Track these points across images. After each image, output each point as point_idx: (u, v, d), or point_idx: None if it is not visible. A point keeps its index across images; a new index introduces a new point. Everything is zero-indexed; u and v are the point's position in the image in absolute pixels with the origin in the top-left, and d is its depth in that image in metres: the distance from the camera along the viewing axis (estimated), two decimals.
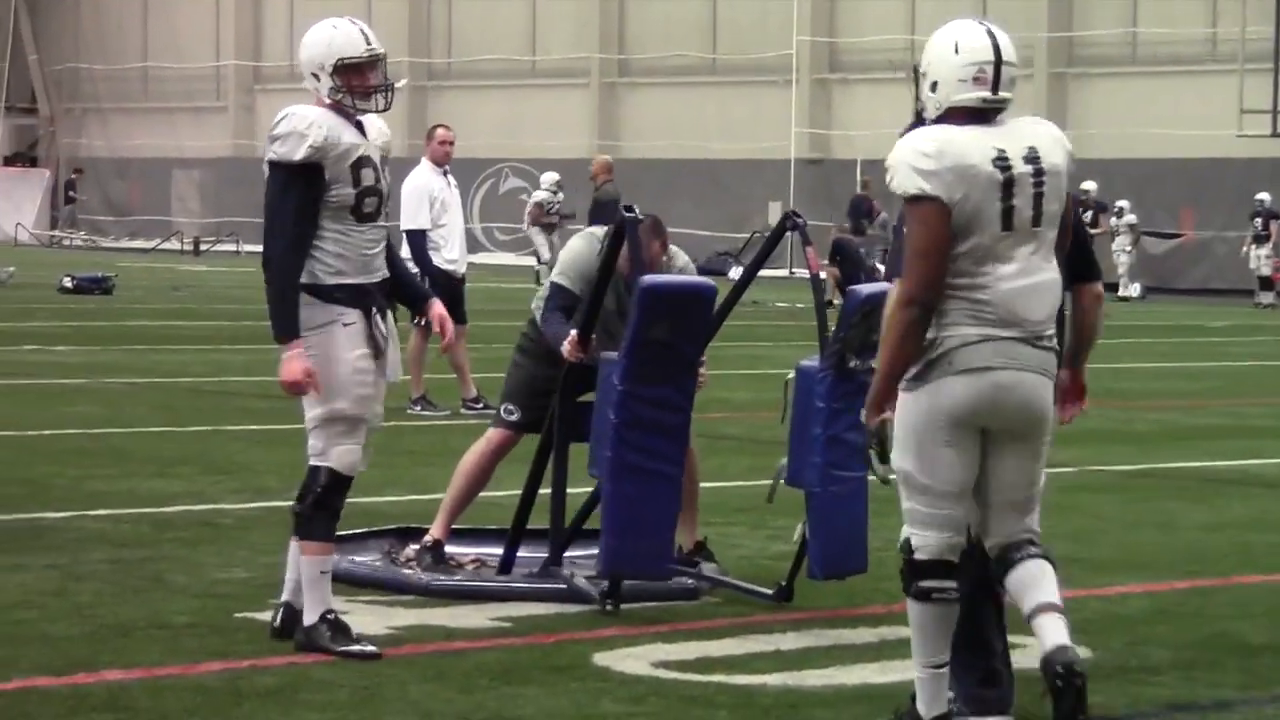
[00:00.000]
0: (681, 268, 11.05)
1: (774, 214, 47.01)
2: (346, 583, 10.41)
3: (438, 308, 9.48)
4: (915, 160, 7.54)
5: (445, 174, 19.47)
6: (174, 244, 65.60)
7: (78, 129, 75.62)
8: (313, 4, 66.17)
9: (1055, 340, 7.76)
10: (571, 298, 10.74)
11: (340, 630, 8.98)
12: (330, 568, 9.20)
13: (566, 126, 61.36)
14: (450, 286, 18.44)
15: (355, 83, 9.08)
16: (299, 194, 8.98)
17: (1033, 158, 7.59)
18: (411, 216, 19.03)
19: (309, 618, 9.02)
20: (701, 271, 11.57)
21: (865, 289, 10.00)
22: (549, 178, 44.50)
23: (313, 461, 9.11)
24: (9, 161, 75.06)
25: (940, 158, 7.52)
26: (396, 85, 9.30)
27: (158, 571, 11.00)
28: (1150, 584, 9.79)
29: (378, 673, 8.69)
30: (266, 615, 9.71)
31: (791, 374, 10.10)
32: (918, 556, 7.65)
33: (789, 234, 10.94)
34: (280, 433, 17.03)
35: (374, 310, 9.11)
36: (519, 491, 10.97)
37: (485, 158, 57.98)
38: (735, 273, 13.47)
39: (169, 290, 41.84)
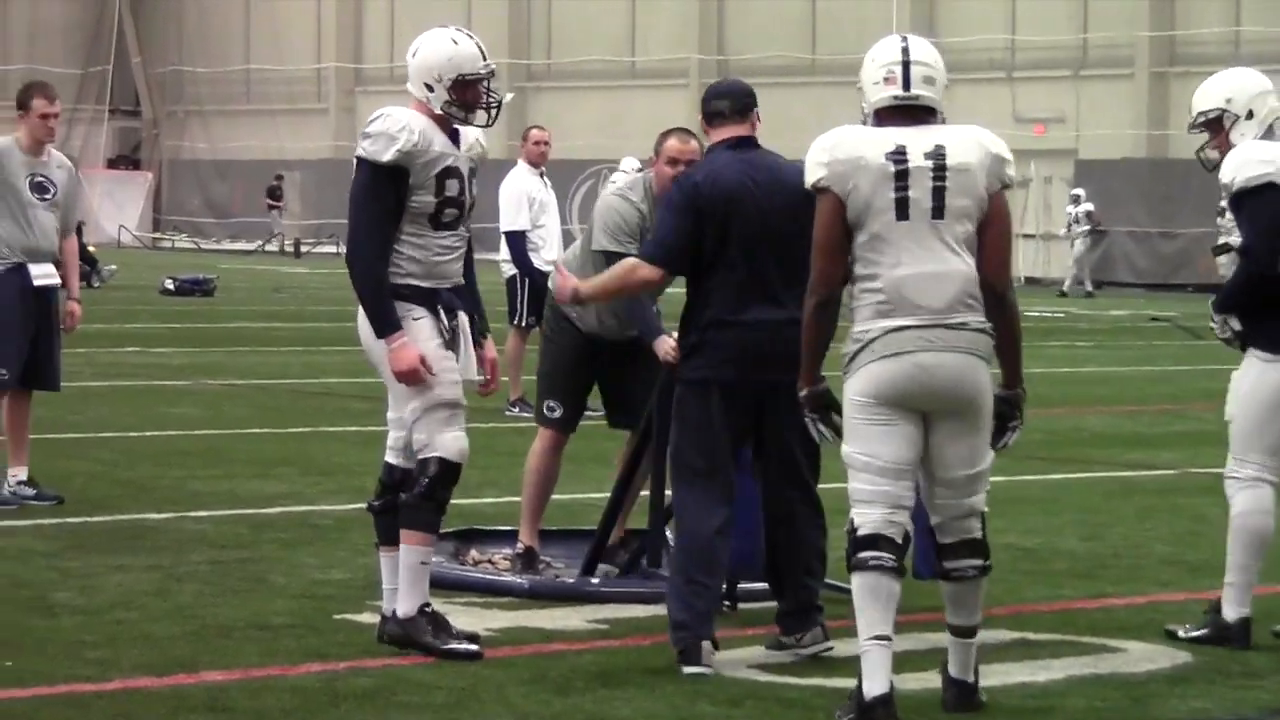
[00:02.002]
0: None
1: None
2: (445, 586, 10.43)
3: (491, 352, 9.49)
4: (816, 154, 8.19)
5: (541, 175, 19.46)
6: (274, 246, 65.89)
7: (180, 131, 76.07)
8: (413, 7, 66.54)
9: (982, 324, 8.14)
10: None
11: (440, 626, 9.00)
12: (431, 560, 9.18)
13: (666, 127, 61.24)
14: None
15: (469, 97, 9.08)
16: (383, 195, 9.02)
17: (936, 154, 8.08)
18: (510, 218, 19.04)
19: (405, 609, 9.02)
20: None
21: None
22: (630, 163, 44.41)
23: (421, 455, 9.05)
24: (112, 164, 75.55)
25: (834, 150, 8.14)
26: (504, 99, 9.28)
27: (257, 572, 11.05)
28: (1258, 587, 9.70)
29: (475, 674, 8.70)
30: (365, 617, 9.75)
31: None
32: (859, 533, 8.10)
33: None
34: (379, 434, 16.96)
35: (440, 308, 9.12)
36: (574, 494, 10.98)
37: (585, 159, 57.94)
38: None
39: (270, 292, 42.04)
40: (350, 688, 8.45)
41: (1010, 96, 55.43)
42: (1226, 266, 9.78)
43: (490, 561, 11.17)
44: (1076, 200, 49.69)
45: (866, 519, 8.11)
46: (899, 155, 8.08)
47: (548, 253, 19.05)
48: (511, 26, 66.68)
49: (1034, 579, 11.30)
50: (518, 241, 18.91)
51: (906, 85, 8.23)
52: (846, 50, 59.19)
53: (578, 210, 58.93)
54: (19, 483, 13.39)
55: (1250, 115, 9.83)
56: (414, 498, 9.03)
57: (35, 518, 12.82)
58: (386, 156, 8.94)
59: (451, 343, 9.13)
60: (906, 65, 8.25)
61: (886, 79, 8.26)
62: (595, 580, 10.82)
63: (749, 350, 9.05)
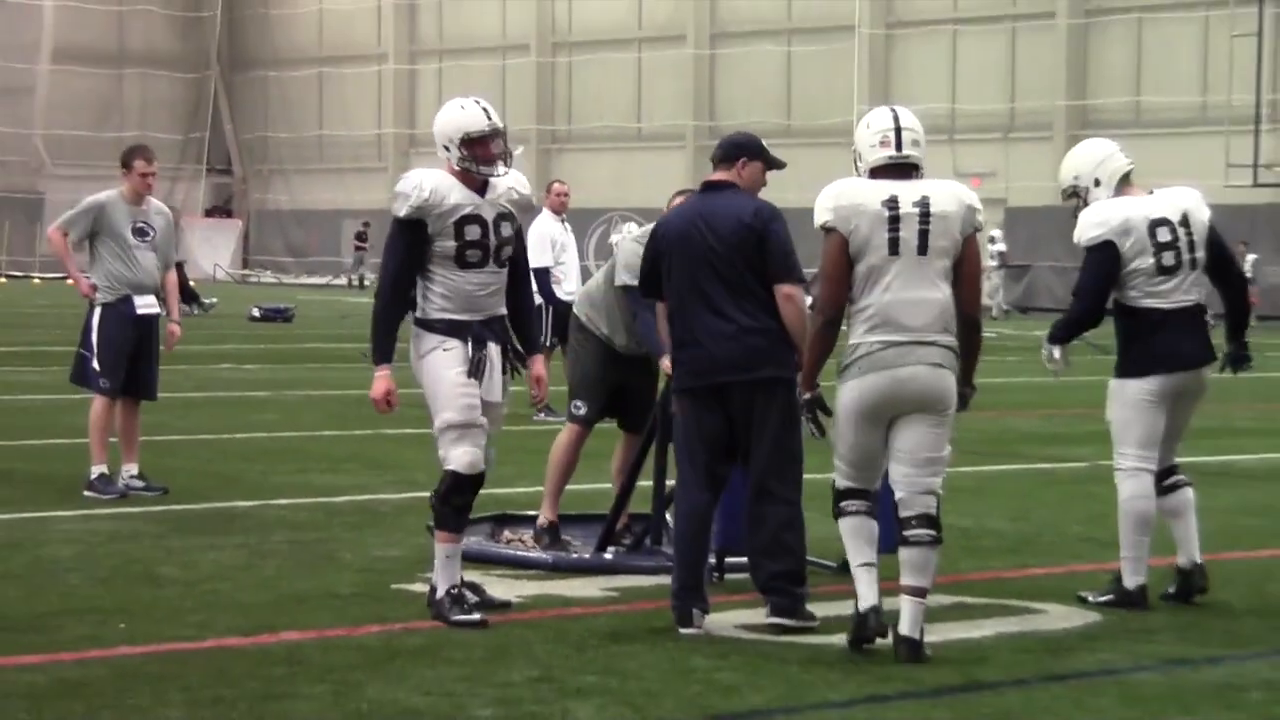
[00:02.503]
0: None
1: None
2: (483, 561, 10.43)
3: (537, 368, 9.38)
4: (824, 200, 8.55)
5: (563, 220, 19.46)
6: (342, 280, 65.90)
7: (265, 186, 76.10)
8: (457, 82, 66.58)
9: (949, 341, 8.51)
10: None
11: (456, 601, 8.94)
12: (456, 555, 9.05)
13: (667, 181, 60.96)
14: (569, 314, 18.42)
15: (479, 152, 9.01)
16: (404, 244, 8.96)
17: (922, 203, 8.44)
18: (536, 257, 19.00)
19: (440, 589, 9.01)
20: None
21: None
22: (630, 229, 44.43)
23: (443, 466, 9.06)
24: (209, 214, 75.56)
25: (839, 198, 8.53)
26: (515, 152, 9.21)
27: (328, 550, 11.04)
28: (1151, 559, 9.70)
29: (508, 634, 8.69)
30: (417, 587, 9.75)
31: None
32: (838, 486, 8.64)
33: None
34: (429, 435, 17.02)
35: (470, 339, 8.98)
36: (591, 485, 10.97)
37: (598, 207, 57.87)
38: (808, 301, 13.66)
39: (338, 318, 42.01)
40: (405, 645, 8.45)
41: (951, 154, 55.39)
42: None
43: (520, 540, 11.17)
44: (992, 240, 49.60)
45: (842, 479, 8.66)
46: (892, 203, 8.44)
47: (568, 285, 19.12)
48: (539, 98, 66.64)
49: (969, 553, 11.29)
50: (543, 276, 18.89)
51: (899, 147, 8.60)
52: (817, 117, 59.33)
53: (593, 250, 58.79)
54: (131, 476, 13.42)
55: (1098, 183, 9.90)
56: (437, 503, 9.05)
57: (144, 505, 12.83)
58: (402, 211, 8.93)
59: (477, 371, 8.99)
60: (898, 131, 8.62)
61: (882, 142, 8.62)
62: (608, 555, 10.82)
63: (703, 361, 9.05)
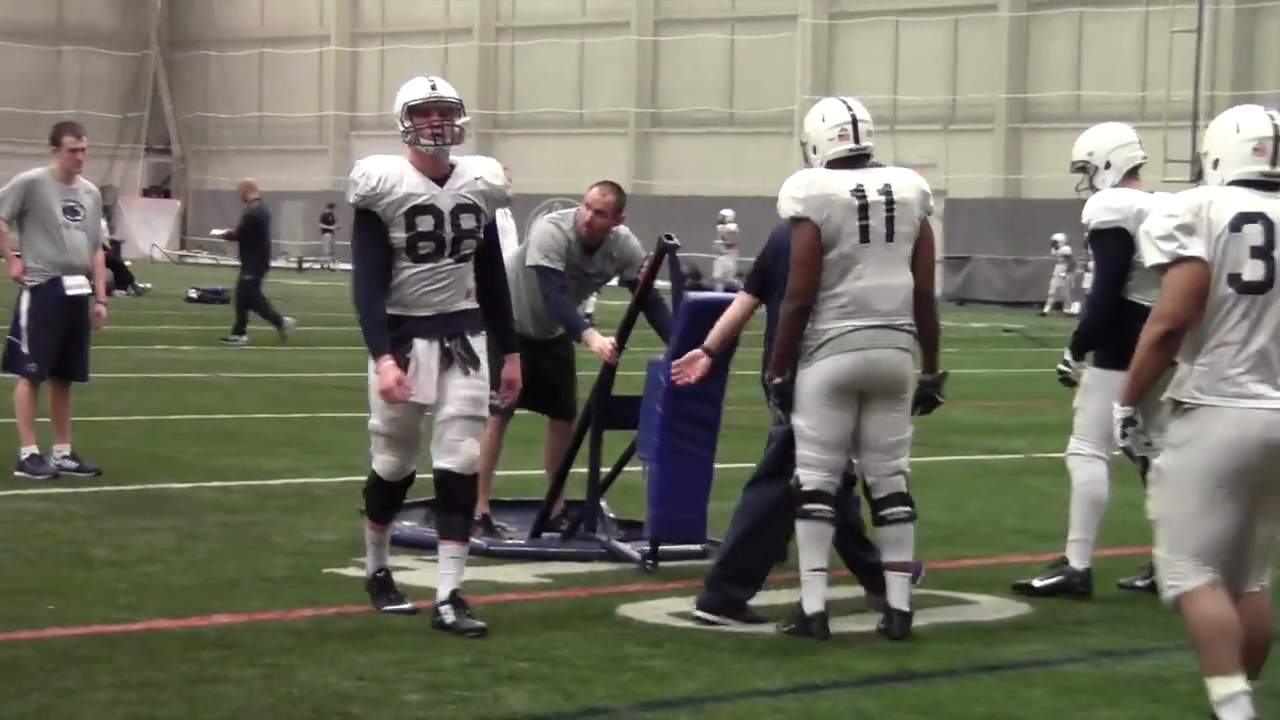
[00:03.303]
0: (633, 249, 11.11)
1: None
2: (416, 546, 10.41)
3: (507, 371, 8.98)
4: (792, 192, 8.64)
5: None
6: (281, 262, 65.66)
7: (204, 167, 75.75)
8: (400, 65, 66.42)
9: (911, 325, 8.73)
10: (564, 276, 10.83)
11: (381, 589, 8.88)
12: (380, 542, 8.91)
13: (609, 168, 60.99)
14: None
15: (419, 123, 8.51)
16: (363, 232, 8.54)
17: (886, 191, 8.63)
18: None
19: (367, 573, 8.98)
20: (726, 290, 11.66)
21: (692, 296, 10.34)
22: (729, 213, 44.99)
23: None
24: (147, 193, 75.17)
25: (809, 189, 8.62)
26: (458, 122, 8.59)
27: (262, 533, 11.01)
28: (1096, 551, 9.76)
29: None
30: (350, 571, 9.74)
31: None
32: (804, 489, 8.65)
33: None
34: (366, 419, 16.99)
35: (406, 338, 8.50)
36: (525, 471, 10.97)
37: (541, 193, 57.74)
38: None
39: (276, 300, 41.81)
40: (337, 629, 8.44)
41: (892, 145, 55.41)
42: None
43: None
44: (1056, 245, 49.17)
45: (811, 478, 8.66)
46: (860, 192, 8.62)
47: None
48: (482, 82, 66.51)
49: None
50: None
51: (857, 139, 8.76)
52: (759, 106, 59.40)
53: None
54: (63, 457, 13.34)
55: (1108, 165, 9.94)
56: (364, 491, 8.90)
57: (77, 486, 12.76)
58: (351, 199, 8.54)
59: (403, 369, 8.48)
60: (855, 123, 8.78)
61: (841, 135, 8.74)
62: (541, 541, 10.82)
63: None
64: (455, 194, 8.58)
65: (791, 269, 8.65)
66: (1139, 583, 9.93)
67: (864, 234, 8.63)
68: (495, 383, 11.19)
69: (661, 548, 10.27)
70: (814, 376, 8.67)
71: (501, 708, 7.14)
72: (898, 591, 8.69)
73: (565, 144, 63.97)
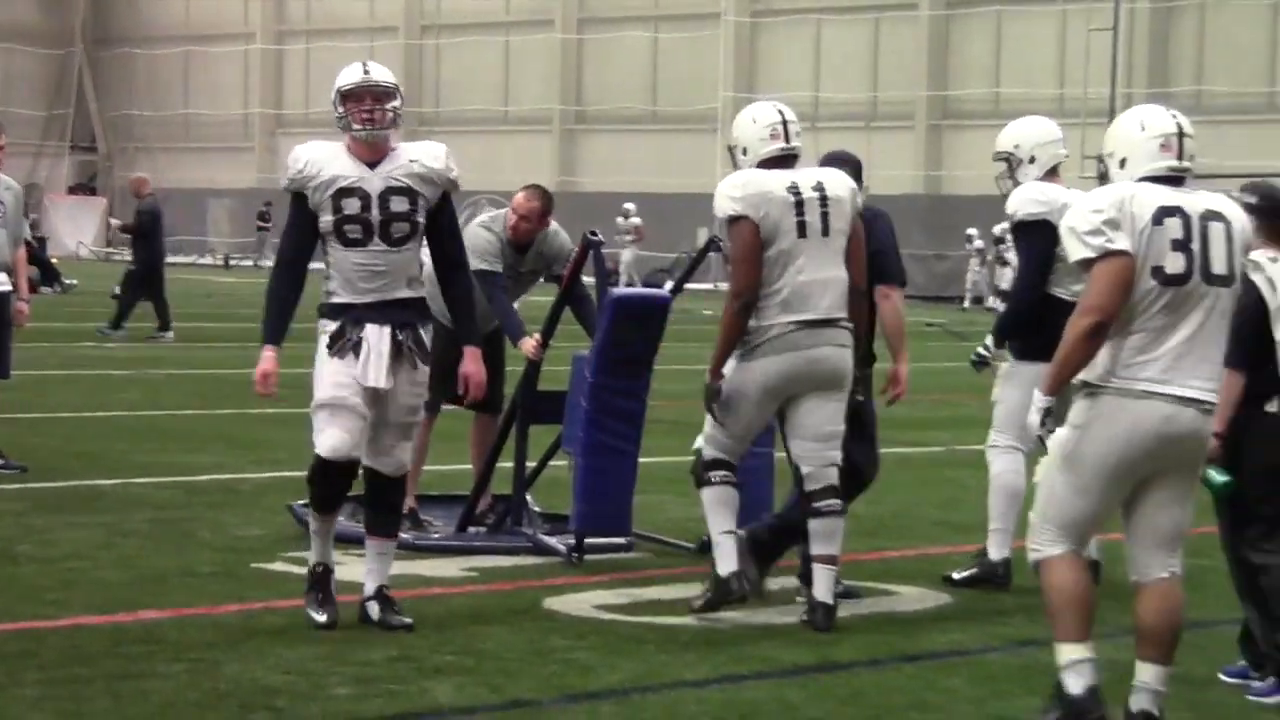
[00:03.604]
0: (561, 244, 11.12)
1: (700, 238, 47.01)
2: (343, 540, 10.37)
3: (465, 364, 8.61)
4: (729, 192, 8.73)
5: None
6: (208, 259, 65.41)
7: (130, 164, 75.07)
8: (325, 63, 66.23)
9: (848, 321, 8.84)
10: (503, 277, 10.85)
11: (314, 585, 8.45)
12: (322, 533, 8.47)
13: (533, 165, 61.19)
14: None
15: (353, 108, 8.31)
16: (292, 220, 8.39)
17: (819, 188, 8.77)
18: None
19: (309, 562, 8.57)
20: (644, 285, 11.70)
21: (617, 292, 10.37)
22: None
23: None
24: (73, 190, 74.68)
25: (745, 188, 8.72)
26: (389, 106, 8.35)
27: (189, 529, 10.96)
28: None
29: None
30: (277, 566, 9.72)
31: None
32: (707, 458, 8.86)
33: (711, 254, 11.10)
34: (292, 415, 16.90)
35: (345, 320, 8.26)
36: (453, 466, 10.97)
37: (466, 190, 57.63)
38: (668, 286, 13.45)
39: (204, 297, 41.67)
40: (263, 624, 8.40)
41: (814, 142, 55.57)
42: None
43: None
44: (969, 239, 49.16)
45: (712, 451, 8.88)
46: (795, 189, 8.74)
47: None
48: (406, 80, 66.27)
49: None
50: None
51: (788, 139, 8.89)
52: (683, 103, 59.45)
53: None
54: None
55: (1033, 160, 9.98)
56: (307, 480, 8.46)
57: (3, 484, 12.64)
58: (283, 184, 8.39)
59: (340, 350, 8.24)
60: (786, 124, 8.90)
61: (773, 135, 8.88)
62: (467, 535, 10.82)
63: None
64: (386, 176, 8.33)
65: (733, 268, 8.77)
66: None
67: (801, 229, 8.72)
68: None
69: (587, 541, 10.28)
70: (751, 374, 8.76)
71: (428, 701, 7.13)
72: (824, 584, 8.72)
73: (490, 141, 63.89)
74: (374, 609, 8.38)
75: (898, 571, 10.24)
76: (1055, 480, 6.82)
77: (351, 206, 8.28)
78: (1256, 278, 7.50)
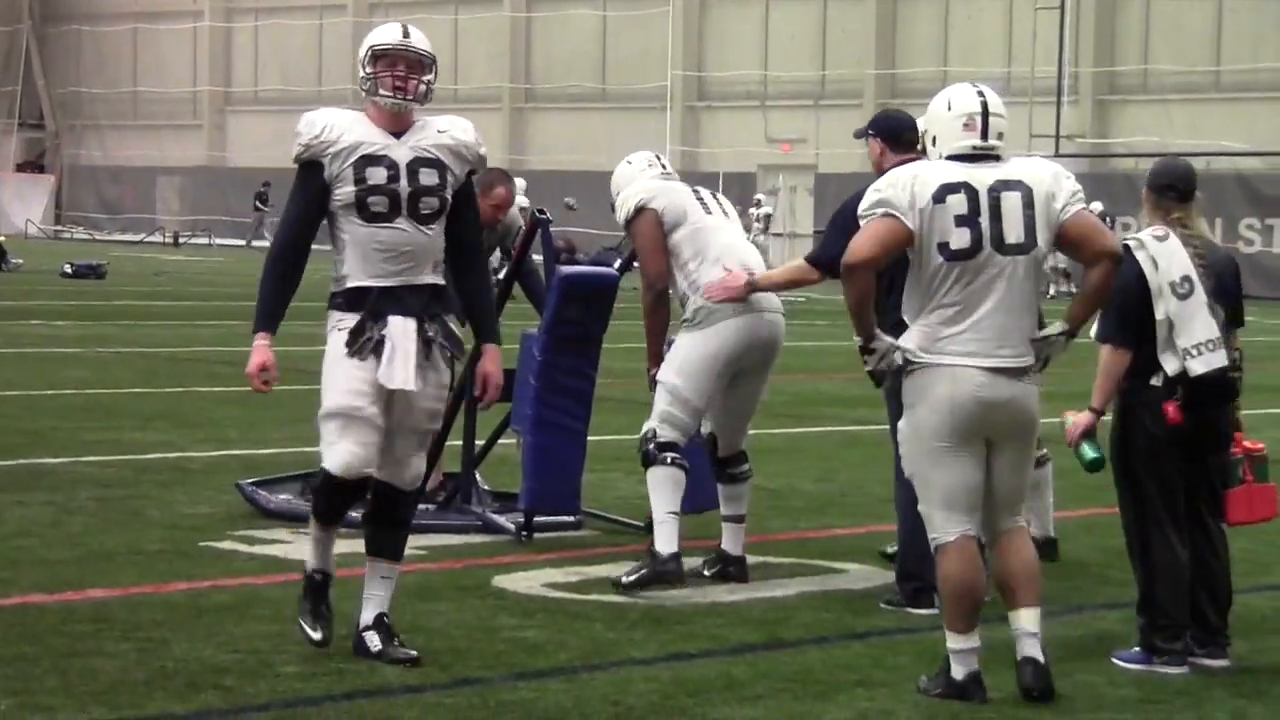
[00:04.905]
0: (513, 219, 11.17)
1: None
2: (292, 519, 10.35)
3: (484, 363, 7.56)
4: (635, 190, 9.32)
5: None
6: (157, 237, 65.14)
7: (79, 141, 74.83)
8: (274, 40, 65.93)
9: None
10: None
11: (313, 593, 7.52)
12: (322, 540, 7.52)
13: (482, 143, 61.05)
14: None
15: (383, 72, 7.38)
16: (300, 193, 7.35)
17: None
18: None
19: (306, 568, 7.63)
20: (592, 264, 11.69)
21: (565, 270, 10.45)
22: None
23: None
24: (20, 168, 74.23)
25: (649, 182, 9.40)
26: (425, 79, 7.46)
27: (136, 507, 10.92)
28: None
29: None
30: (225, 544, 9.69)
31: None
32: (661, 439, 8.99)
33: None
34: (242, 394, 16.89)
35: (366, 311, 7.27)
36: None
37: None
38: (617, 264, 13.37)
39: (152, 275, 41.49)
40: (212, 603, 8.38)
41: (763, 120, 55.72)
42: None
43: None
44: (758, 204, 49.03)
45: (666, 435, 9.03)
46: (666, 172, 9.47)
47: None
48: (355, 57, 65.87)
49: (776, 513, 11.38)
50: None
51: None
52: (632, 81, 59.35)
53: None
54: None
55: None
56: (312, 490, 7.62)
57: None
58: (294, 153, 7.34)
59: (360, 349, 7.24)
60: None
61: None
62: (417, 514, 10.78)
63: None
64: (414, 146, 7.40)
65: (644, 257, 9.21)
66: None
67: (705, 208, 9.36)
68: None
69: (536, 519, 10.27)
70: (711, 341, 9.03)
71: (377, 679, 7.11)
72: (734, 539, 9.30)
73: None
74: (373, 640, 7.41)
75: (845, 549, 10.26)
76: (914, 467, 7.05)
77: (377, 176, 7.30)
78: (1140, 255, 7.56)
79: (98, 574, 8.89)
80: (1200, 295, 7.55)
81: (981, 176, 6.94)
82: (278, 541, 9.89)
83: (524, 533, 10.19)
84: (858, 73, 54.86)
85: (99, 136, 73.98)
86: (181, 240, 63.82)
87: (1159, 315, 7.55)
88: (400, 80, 7.39)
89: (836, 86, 55.62)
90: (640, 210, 9.15)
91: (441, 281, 7.43)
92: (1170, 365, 7.55)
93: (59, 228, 70.63)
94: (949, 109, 7.06)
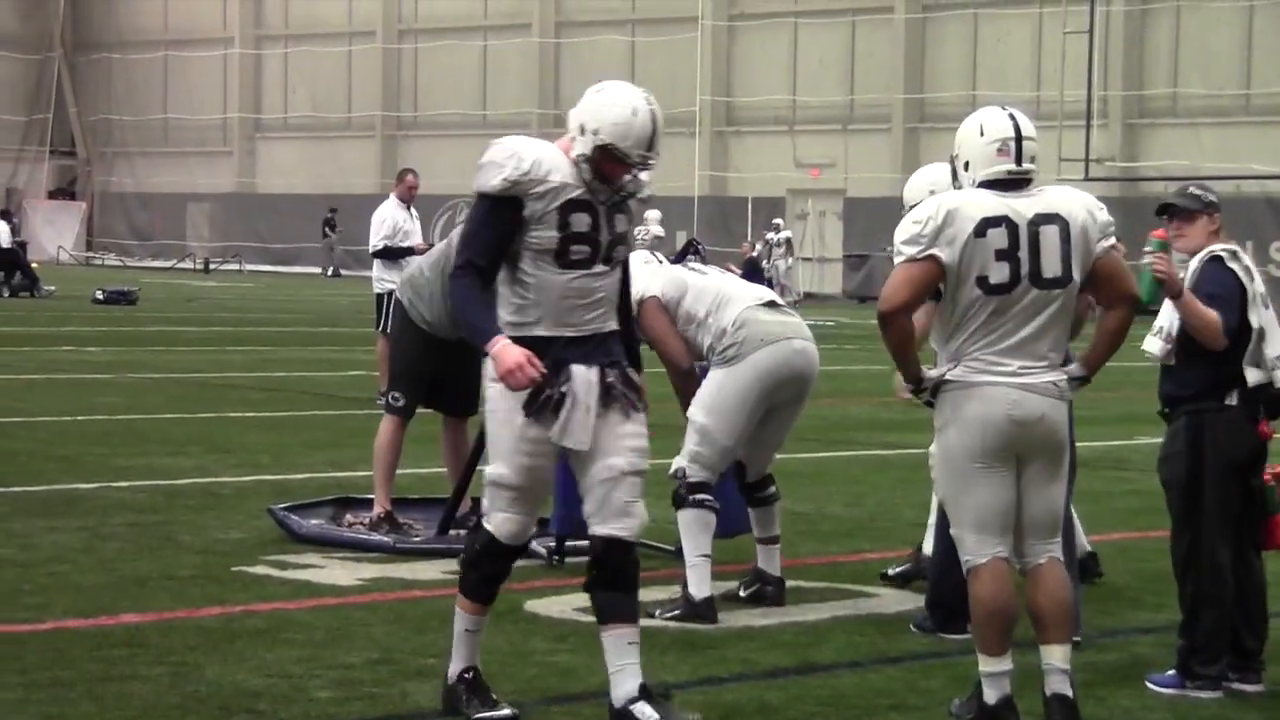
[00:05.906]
0: None
1: (679, 241, 47.02)
2: (323, 544, 10.36)
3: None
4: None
5: (409, 208, 19.40)
6: (188, 264, 65.31)
7: (109, 168, 75.12)
8: (303, 67, 66.12)
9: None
10: None
11: (475, 691, 7.02)
12: (475, 628, 7.05)
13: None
14: None
15: (605, 166, 6.86)
16: (499, 224, 6.78)
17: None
18: (372, 241, 19.06)
19: (451, 672, 7.08)
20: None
21: None
22: (654, 215, 43.93)
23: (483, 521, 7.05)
24: (52, 195, 74.54)
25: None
26: (641, 176, 7.03)
27: (169, 533, 10.93)
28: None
29: (347, 616, 8.64)
30: (258, 569, 9.69)
31: None
32: (691, 479, 9.00)
33: (691, 256, 11.16)
34: (273, 419, 16.94)
35: (559, 368, 6.77)
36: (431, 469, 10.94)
37: (445, 194, 57.71)
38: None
39: (183, 301, 41.60)
40: (244, 627, 8.39)
41: (791, 145, 55.74)
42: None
43: (362, 524, 11.10)
44: (777, 229, 49.09)
45: (699, 476, 9.02)
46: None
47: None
48: (385, 84, 66.23)
49: (806, 538, 11.36)
50: (382, 259, 18.88)
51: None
52: (661, 106, 59.27)
53: (438, 235, 58.64)
54: None
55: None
56: (464, 563, 7.11)
57: None
58: (494, 183, 6.79)
59: (539, 409, 6.76)
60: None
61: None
62: (448, 538, 10.79)
63: None
64: (610, 192, 6.95)
65: (660, 346, 9.26)
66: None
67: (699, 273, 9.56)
68: (395, 383, 11.22)
69: (567, 544, 10.27)
70: (744, 376, 9.05)
71: (409, 704, 7.12)
72: (770, 561, 9.36)
73: (468, 145, 63.42)
74: (646, 712, 6.80)
75: (877, 573, 10.23)
76: (946, 490, 7.03)
77: (581, 223, 6.82)
78: (1235, 265, 7.58)
79: (131, 599, 8.91)
80: (1272, 310, 7.59)
81: (1021, 210, 6.84)
82: (310, 566, 9.91)
83: (555, 557, 10.20)
84: (886, 97, 54.88)
85: (129, 163, 74.27)
86: (212, 266, 64.01)
87: (1253, 323, 7.52)
88: (622, 181, 6.96)
89: (865, 111, 55.64)
90: (641, 303, 9.00)
91: (619, 327, 7.03)
92: (1253, 376, 7.51)
93: (90, 254, 70.89)
94: (981, 134, 6.97)
